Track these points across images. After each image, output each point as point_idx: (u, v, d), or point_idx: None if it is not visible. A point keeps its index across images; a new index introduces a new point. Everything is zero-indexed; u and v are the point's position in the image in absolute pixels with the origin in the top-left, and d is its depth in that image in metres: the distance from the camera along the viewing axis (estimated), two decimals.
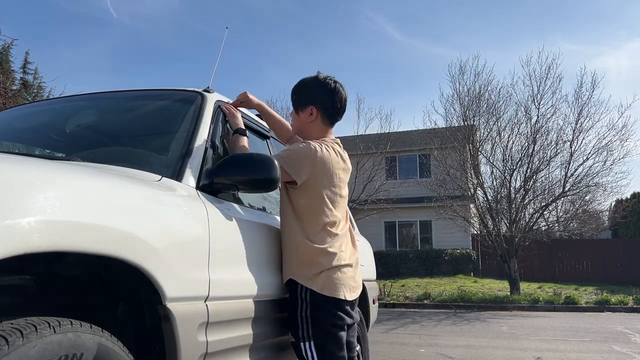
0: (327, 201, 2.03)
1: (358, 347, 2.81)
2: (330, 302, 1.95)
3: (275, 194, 2.54)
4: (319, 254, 1.97)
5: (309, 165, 1.99)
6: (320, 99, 2.14)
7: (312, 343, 1.92)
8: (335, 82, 2.17)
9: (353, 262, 2.10)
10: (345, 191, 2.15)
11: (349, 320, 2.02)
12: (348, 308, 2.02)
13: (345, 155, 2.18)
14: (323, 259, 1.97)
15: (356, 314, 2.26)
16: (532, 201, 13.41)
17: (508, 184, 13.18)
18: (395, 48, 41.60)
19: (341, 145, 2.19)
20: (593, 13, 43.77)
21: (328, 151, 2.06)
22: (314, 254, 1.96)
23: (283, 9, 47.10)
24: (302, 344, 1.93)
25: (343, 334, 1.99)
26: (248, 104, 2.32)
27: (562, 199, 13.52)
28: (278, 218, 2.33)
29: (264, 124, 2.63)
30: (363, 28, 42.12)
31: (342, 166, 2.11)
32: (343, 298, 1.96)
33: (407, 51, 41.65)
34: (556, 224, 14.66)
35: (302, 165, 1.99)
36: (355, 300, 2.09)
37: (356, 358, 2.21)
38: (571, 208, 14.13)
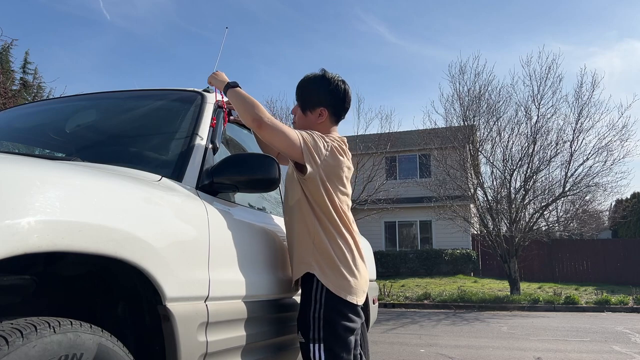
0: (340, 195, 2.00)
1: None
2: (345, 304, 1.92)
3: (275, 194, 2.54)
4: (334, 248, 1.93)
5: (322, 153, 1.96)
6: (330, 101, 2.12)
7: (321, 345, 1.88)
8: (343, 82, 2.15)
9: (365, 263, 2.07)
10: (349, 190, 2.13)
11: (359, 324, 2.00)
12: (359, 309, 2.00)
13: (349, 154, 2.15)
14: (339, 254, 1.94)
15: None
16: (532, 201, 13.40)
17: (508, 184, 13.18)
18: (386, 49, 41.67)
19: (346, 143, 2.15)
20: (583, 13, 43.86)
21: (338, 146, 2.05)
22: (330, 247, 1.93)
23: (275, 9, 47.22)
24: (311, 345, 1.90)
25: (352, 338, 1.95)
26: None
27: (562, 199, 13.51)
28: (278, 218, 2.32)
29: None
30: (355, 29, 42.20)
31: (347, 164, 2.08)
32: (356, 303, 1.94)
33: (399, 52, 41.71)
34: (556, 224, 14.65)
35: (318, 151, 1.95)
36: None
37: (359, 355, 2.17)
38: (571, 208, 14.13)
